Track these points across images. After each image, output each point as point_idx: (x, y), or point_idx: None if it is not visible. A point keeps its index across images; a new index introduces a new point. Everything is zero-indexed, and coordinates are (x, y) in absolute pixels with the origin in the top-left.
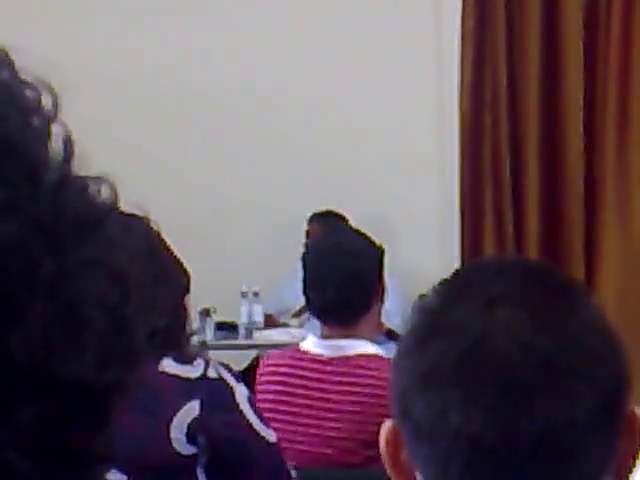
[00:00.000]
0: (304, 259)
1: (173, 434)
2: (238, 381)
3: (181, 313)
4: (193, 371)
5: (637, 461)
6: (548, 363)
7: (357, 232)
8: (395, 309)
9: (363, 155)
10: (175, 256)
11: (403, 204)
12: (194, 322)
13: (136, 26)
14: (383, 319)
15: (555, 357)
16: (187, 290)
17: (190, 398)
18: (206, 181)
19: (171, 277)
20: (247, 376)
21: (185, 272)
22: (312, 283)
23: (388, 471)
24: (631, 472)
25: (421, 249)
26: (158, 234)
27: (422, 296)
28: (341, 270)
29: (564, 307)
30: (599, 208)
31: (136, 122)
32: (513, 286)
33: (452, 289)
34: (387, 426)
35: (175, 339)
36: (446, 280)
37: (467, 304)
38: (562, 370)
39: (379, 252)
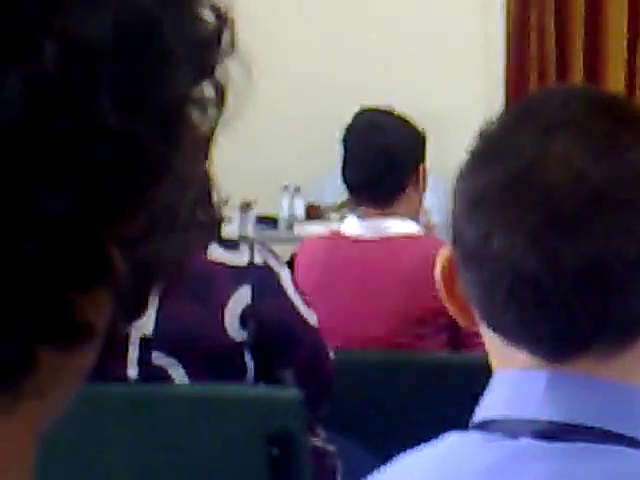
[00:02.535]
0: (344, 138)
1: (227, 321)
2: (282, 265)
3: (208, 185)
4: (240, 257)
5: None
6: (599, 194)
7: (398, 116)
8: (436, 206)
9: (408, 51)
10: None
11: (448, 104)
12: (235, 215)
13: None
14: (426, 214)
15: (607, 188)
16: (206, 156)
17: (241, 284)
18: (247, 74)
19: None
20: (290, 268)
21: None
22: (347, 160)
23: (443, 299)
24: None
25: (463, 150)
26: None
27: (487, 123)
28: (372, 146)
29: (625, 139)
30: None
31: None
32: (576, 113)
33: (514, 116)
34: (443, 253)
35: (209, 212)
36: (511, 108)
37: (526, 130)
38: (613, 202)
39: (416, 133)
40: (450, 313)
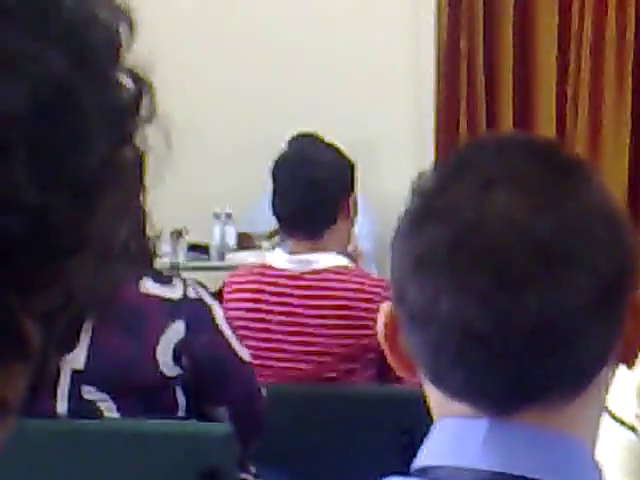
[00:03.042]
0: (273, 172)
1: (160, 356)
2: (214, 300)
3: (142, 218)
4: (174, 291)
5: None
6: (544, 249)
7: (327, 145)
8: (366, 233)
9: (336, 77)
10: None
11: (378, 129)
12: (165, 244)
13: None
14: (354, 242)
15: (552, 243)
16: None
17: (174, 319)
18: (181, 99)
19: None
20: (220, 298)
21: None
22: (277, 193)
23: (387, 355)
24: (637, 357)
25: (394, 176)
26: None
27: (420, 177)
28: (302, 177)
29: (565, 188)
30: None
31: None
32: (512, 165)
33: (449, 170)
34: (385, 309)
35: (142, 245)
36: (444, 161)
37: (463, 185)
38: (559, 257)
39: (346, 164)
40: (393, 367)
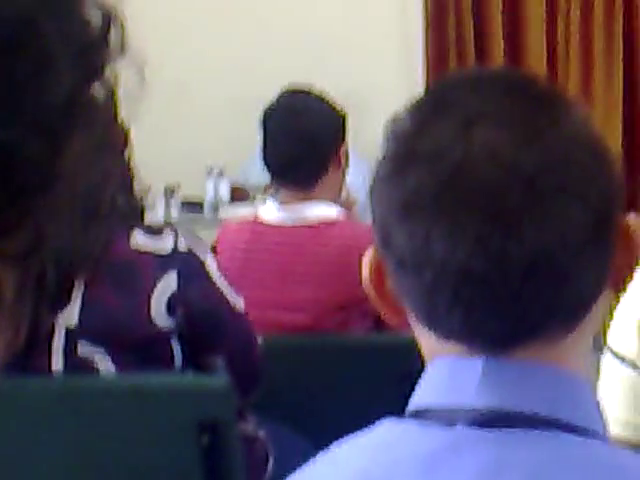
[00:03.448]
0: (263, 122)
1: (153, 309)
2: (206, 251)
3: (129, 173)
4: (165, 243)
5: (634, 272)
6: (533, 183)
7: (318, 96)
8: (358, 184)
9: (326, 30)
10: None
11: (368, 81)
12: (159, 200)
13: None
14: (346, 191)
15: (540, 176)
16: (126, 145)
17: (166, 270)
18: (170, 53)
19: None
20: (214, 251)
21: (122, 126)
22: (267, 143)
23: (373, 301)
24: (628, 283)
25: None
26: None
27: (396, 119)
28: (293, 127)
29: (547, 120)
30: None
31: None
32: (492, 101)
33: (427, 109)
34: (369, 255)
35: (130, 201)
36: (420, 99)
37: (444, 125)
38: (549, 190)
39: (336, 114)
40: (383, 315)
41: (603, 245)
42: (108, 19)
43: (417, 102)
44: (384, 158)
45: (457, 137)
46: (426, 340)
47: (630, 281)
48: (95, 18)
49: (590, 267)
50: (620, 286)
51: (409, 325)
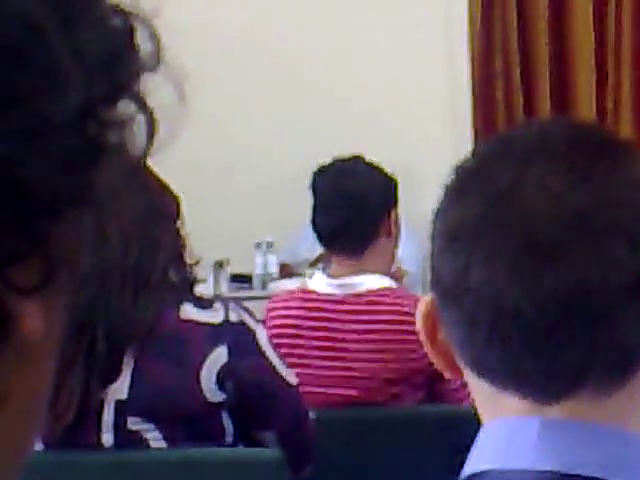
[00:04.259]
0: (313, 184)
1: (203, 382)
2: (257, 323)
3: (180, 245)
4: (215, 316)
5: None
6: (580, 218)
7: (368, 162)
8: (410, 256)
9: (374, 102)
10: (161, 181)
11: (418, 154)
12: (209, 274)
13: None
14: (397, 263)
15: (589, 212)
16: (178, 216)
17: (217, 344)
18: (219, 130)
19: (164, 207)
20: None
21: (174, 196)
22: (318, 207)
23: (425, 347)
24: None
25: (438, 197)
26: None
27: (464, 159)
28: (344, 189)
29: (607, 162)
30: None
31: None
32: (553, 141)
33: (490, 148)
34: (425, 299)
35: (181, 272)
36: (486, 142)
37: (502, 161)
38: (595, 226)
39: (389, 181)
40: (433, 363)
41: None
42: (131, 27)
43: (482, 145)
44: (444, 192)
45: (511, 169)
46: (476, 389)
47: None
48: (120, 26)
49: (635, 318)
50: None
51: (463, 385)
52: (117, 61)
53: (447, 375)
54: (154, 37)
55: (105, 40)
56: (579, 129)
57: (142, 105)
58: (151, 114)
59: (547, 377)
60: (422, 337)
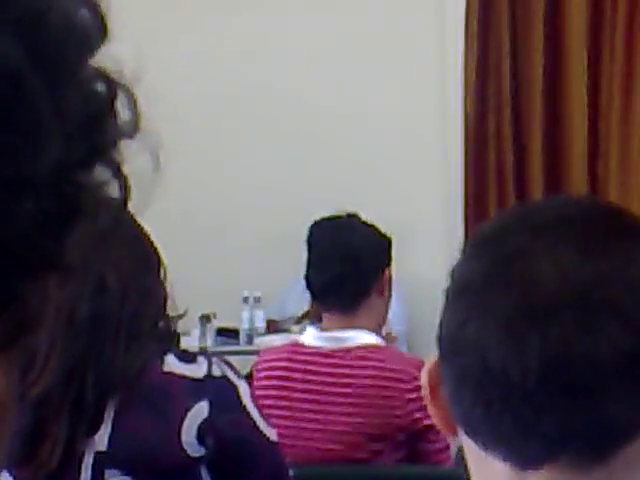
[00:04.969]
0: (309, 238)
1: (184, 436)
2: (240, 378)
3: (165, 296)
4: (198, 370)
5: None
6: (579, 290)
7: (364, 221)
8: (398, 316)
9: (366, 160)
10: (144, 231)
11: (407, 212)
12: (195, 328)
13: None
14: (388, 325)
15: (591, 286)
16: (160, 267)
17: (199, 398)
18: (206, 184)
19: (151, 260)
20: (250, 380)
21: (155, 249)
22: (312, 262)
23: (427, 403)
24: None
25: (426, 259)
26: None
27: (485, 224)
28: (339, 246)
29: (622, 244)
30: None
31: None
32: (571, 215)
33: (513, 213)
34: (431, 358)
35: (167, 323)
36: (509, 212)
37: (520, 225)
38: (593, 300)
39: (384, 239)
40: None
41: None
42: (113, 90)
43: (505, 211)
44: (462, 250)
45: (524, 236)
46: (468, 450)
47: None
48: (103, 91)
49: (620, 398)
50: None
51: (447, 447)
52: (98, 125)
53: (445, 433)
54: (133, 103)
55: (88, 104)
56: (601, 208)
57: (117, 171)
58: (125, 181)
59: (525, 441)
60: (424, 392)
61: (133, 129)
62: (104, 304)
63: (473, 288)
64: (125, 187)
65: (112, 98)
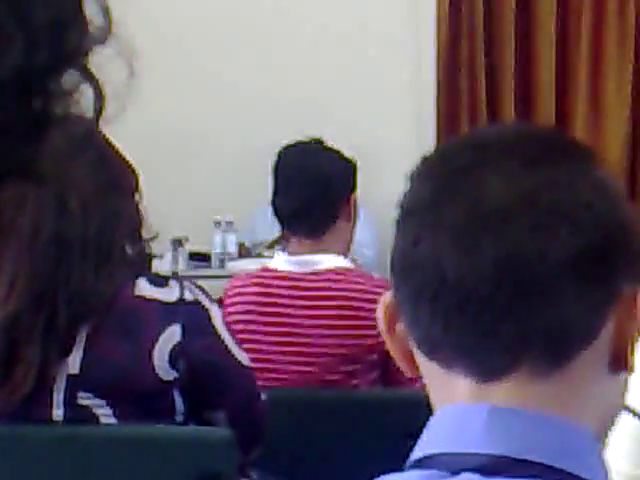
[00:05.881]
0: (275, 165)
1: (156, 360)
2: (212, 302)
3: (138, 220)
4: (170, 294)
5: (636, 344)
6: (528, 198)
7: (329, 146)
8: (368, 240)
9: (339, 87)
10: (121, 155)
11: (377, 137)
12: (167, 251)
13: None
14: (354, 248)
15: (538, 194)
16: (136, 191)
17: (170, 322)
18: (182, 106)
19: (124, 181)
20: (221, 305)
21: (133, 171)
22: (278, 189)
23: (385, 340)
24: (626, 359)
25: (395, 183)
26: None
27: (429, 152)
28: (305, 172)
29: (564, 158)
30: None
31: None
32: (513, 135)
33: (453, 142)
34: (386, 296)
35: (140, 247)
36: (457, 139)
37: (462, 149)
38: (541, 206)
39: (348, 163)
40: (393, 357)
41: (591, 287)
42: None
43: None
44: (407, 181)
45: (468, 154)
46: (428, 372)
47: (633, 353)
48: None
49: (570, 300)
50: (618, 362)
51: (418, 370)
52: (63, 30)
53: (405, 370)
54: (105, 10)
55: (52, 9)
56: (541, 129)
57: (89, 77)
58: (99, 87)
59: (485, 351)
60: (381, 326)
61: (104, 35)
62: (65, 225)
63: (422, 206)
64: (100, 95)
65: (79, 3)
